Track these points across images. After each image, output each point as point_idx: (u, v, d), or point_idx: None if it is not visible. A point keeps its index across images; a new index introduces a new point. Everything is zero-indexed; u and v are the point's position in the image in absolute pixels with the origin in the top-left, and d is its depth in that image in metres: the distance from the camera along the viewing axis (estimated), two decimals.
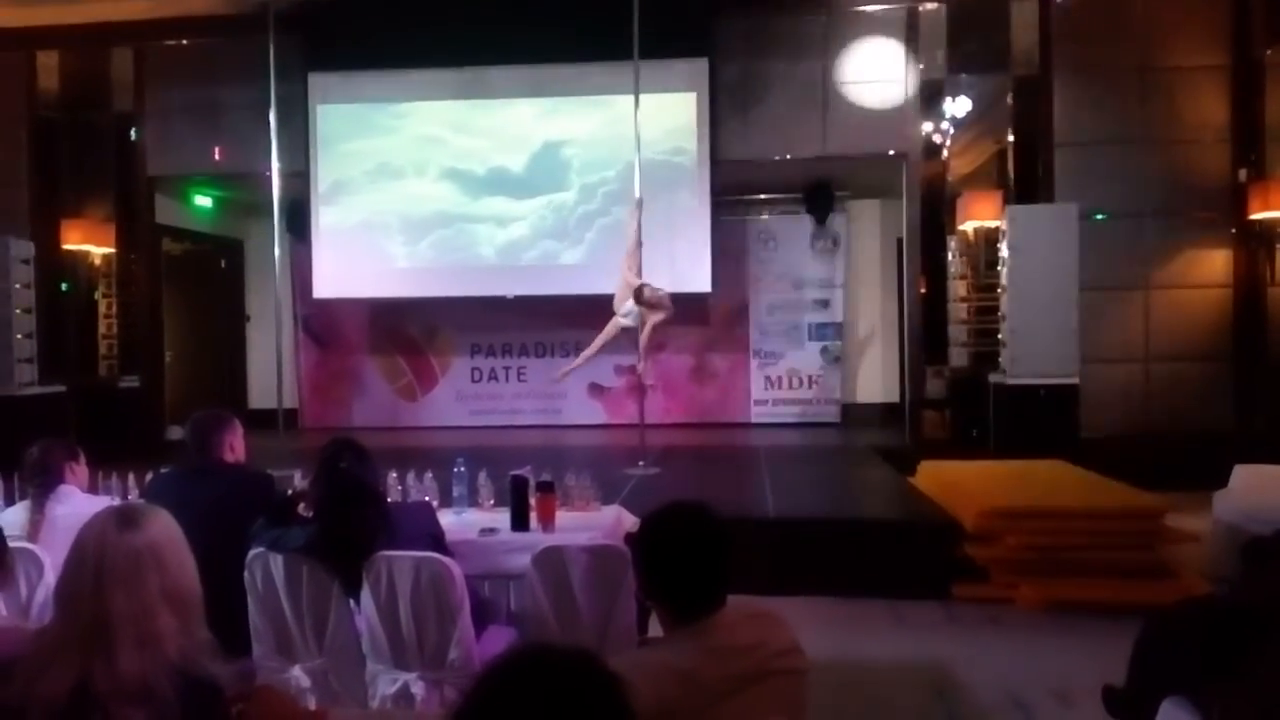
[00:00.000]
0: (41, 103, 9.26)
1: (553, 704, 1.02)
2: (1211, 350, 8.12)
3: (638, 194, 7.25)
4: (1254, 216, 7.87)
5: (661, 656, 1.81)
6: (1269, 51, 7.88)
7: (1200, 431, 7.68)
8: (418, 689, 2.85)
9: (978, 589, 5.07)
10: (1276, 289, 7.92)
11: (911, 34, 8.43)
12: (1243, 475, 5.40)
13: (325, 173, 9.21)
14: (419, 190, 9.21)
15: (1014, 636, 4.55)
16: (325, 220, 9.25)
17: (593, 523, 3.62)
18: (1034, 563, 5.04)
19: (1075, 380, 7.33)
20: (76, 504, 3.29)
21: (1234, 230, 8.09)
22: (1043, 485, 5.93)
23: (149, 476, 3.62)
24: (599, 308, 8.28)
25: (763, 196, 10.24)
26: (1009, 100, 8.36)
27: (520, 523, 3.53)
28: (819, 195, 10.01)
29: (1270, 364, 7.85)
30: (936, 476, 6.43)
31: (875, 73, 8.58)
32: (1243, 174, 8.01)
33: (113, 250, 9.35)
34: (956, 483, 6.04)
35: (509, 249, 9.16)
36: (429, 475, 3.94)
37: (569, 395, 10.32)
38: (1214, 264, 8.17)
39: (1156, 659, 2.74)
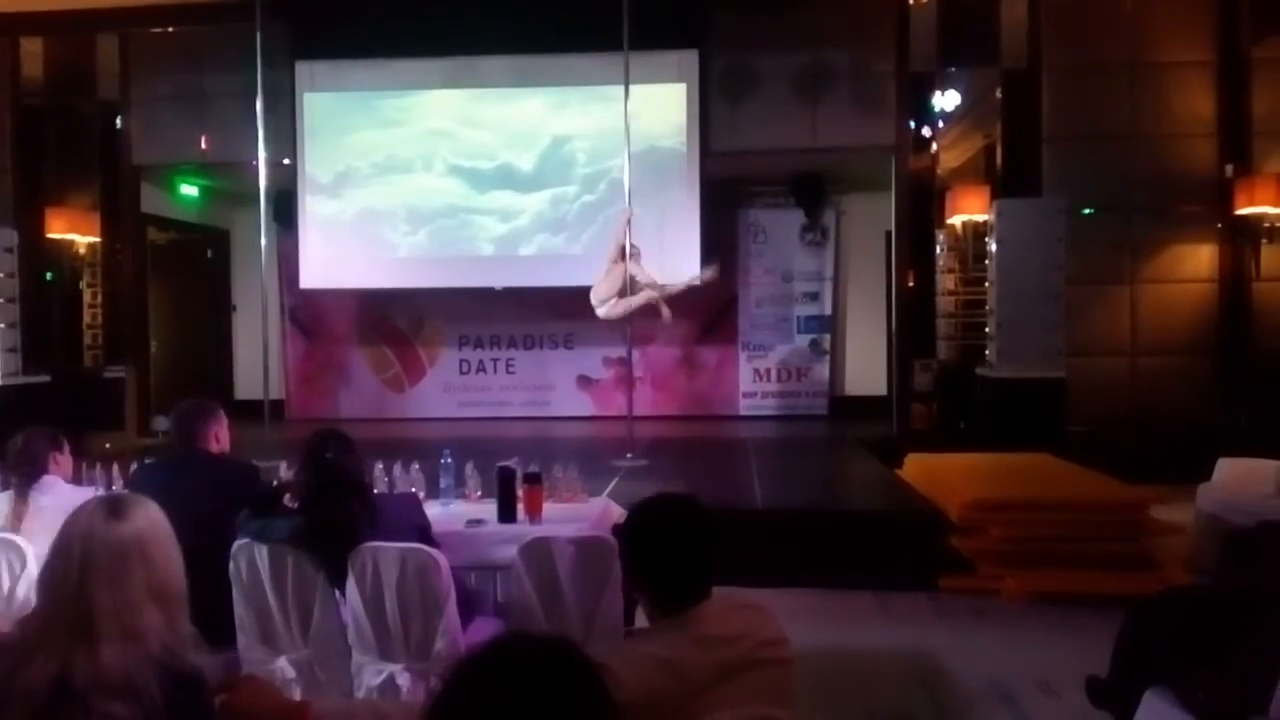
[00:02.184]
0: (25, 90, 9.15)
1: (531, 692, 1.01)
2: (1196, 344, 8.17)
3: (627, 184, 7.24)
4: (1240, 211, 7.92)
5: (647, 646, 1.81)
6: (1256, 47, 7.92)
7: (1184, 425, 7.73)
8: (403, 680, 2.84)
9: (963, 580, 5.10)
10: (1261, 284, 7.97)
11: (901, 27, 8.43)
12: (1225, 468, 5.44)
13: (312, 162, 9.16)
14: (407, 182, 9.16)
15: (999, 627, 4.58)
16: (312, 210, 9.20)
17: (580, 514, 3.61)
18: (1019, 554, 5.08)
19: (1061, 374, 7.37)
20: (60, 494, 3.26)
21: (1220, 225, 8.14)
22: (1028, 478, 5.96)
23: (133, 467, 3.59)
24: (588, 300, 8.27)
25: (752, 189, 10.23)
26: (998, 94, 8.37)
27: (507, 514, 3.53)
28: (808, 188, 10.01)
29: (1254, 358, 7.91)
30: (923, 469, 6.46)
31: (865, 66, 8.57)
32: (1229, 169, 8.06)
33: (98, 239, 9.29)
34: (943, 475, 6.06)
35: (502, 241, 9.13)
36: (415, 466, 3.93)
37: (557, 387, 10.32)
38: (1200, 259, 8.21)
39: (1139, 649, 2.76)
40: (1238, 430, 7.55)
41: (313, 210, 9.20)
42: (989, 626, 4.60)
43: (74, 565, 1.56)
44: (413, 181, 9.15)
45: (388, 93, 9.13)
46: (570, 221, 8.99)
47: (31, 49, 9.17)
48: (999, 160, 8.41)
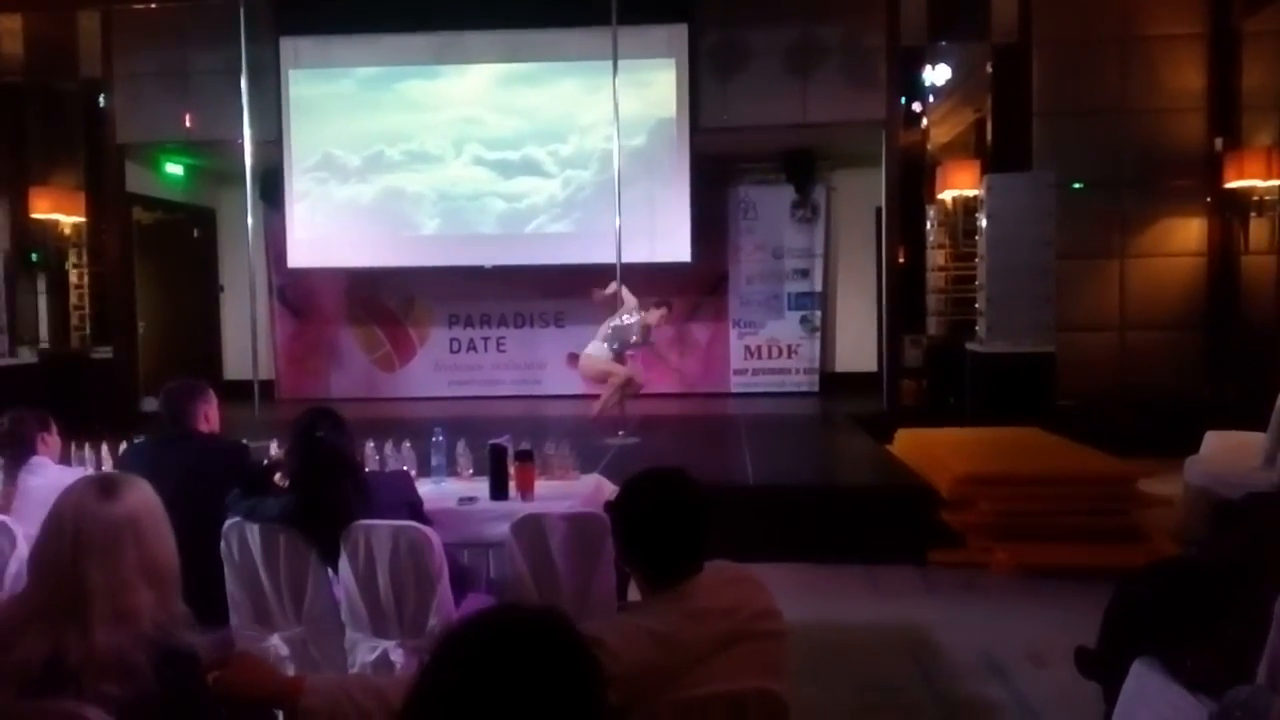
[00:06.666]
0: (6, 68, 9.03)
1: (519, 662, 1.01)
2: (1185, 318, 8.20)
3: (616, 161, 7.20)
4: (1229, 185, 7.93)
5: (640, 620, 1.82)
6: (1247, 20, 7.89)
7: (1173, 398, 7.78)
8: (397, 656, 2.85)
9: (953, 554, 5.13)
10: (1250, 257, 8.00)
11: (892, 2, 8.37)
12: (1213, 441, 5.48)
13: (299, 139, 9.07)
14: (396, 160, 9.09)
15: (988, 600, 4.61)
16: (299, 188, 9.12)
17: (572, 491, 3.62)
18: (1008, 528, 5.11)
19: (1051, 348, 7.39)
20: (49, 475, 3.25)
21: (1209, 199, 8.15)
22: (1018, 452, 6.00)
23: (123, 447, 3.58)
24: (579, 278, 8.24)
25: (743, 165, 10.19)
26: (988, 69, 8.34)
27: (499, 491, 3.53)
28: (799, 164, 9.97)
29: (1242, 332, 7.95)
30: (913, 444, 6.48)
31: (855, 40, 8.52)
32: (1219, 143, 8.06)
33: (83, 219, 9.20)
34: (933, 450, 6.09)
35: (503, 221, 9.08)
36: (407, 445, 3.92)
37: (548, 365, 10.30)
38: (1189, 232, 8.23)
39: (1128, 620, 2.79)
40: (1226, 403, 7.60)
41: (300, 189, 9.12)
42: (978, 599, 4.63)
43: (66, 545, 1.55)
44: (384, 157, 9.06)
45: (373, 68, 9.04)
46: (580, 202, 8.93)
47: (11, 26, 9.02)
48: (989, 135, 8.39)
